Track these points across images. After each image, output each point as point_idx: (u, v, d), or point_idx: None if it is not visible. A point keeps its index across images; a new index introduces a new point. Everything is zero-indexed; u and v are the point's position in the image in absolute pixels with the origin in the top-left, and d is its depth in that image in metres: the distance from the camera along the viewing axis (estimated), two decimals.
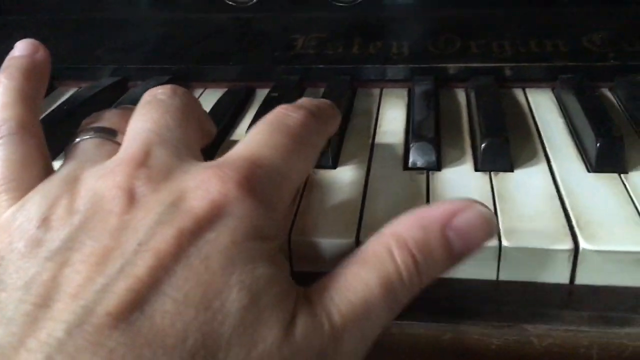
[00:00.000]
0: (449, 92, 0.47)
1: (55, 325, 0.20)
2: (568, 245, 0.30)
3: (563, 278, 0.30)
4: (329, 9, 0.51)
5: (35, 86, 0.30)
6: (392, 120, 0.43)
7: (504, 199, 0.33)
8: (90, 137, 0.29)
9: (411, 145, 0.37)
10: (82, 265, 0.21)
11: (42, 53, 0.31)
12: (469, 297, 0.30)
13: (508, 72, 0.46)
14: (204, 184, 0.24)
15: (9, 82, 0.29)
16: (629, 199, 0.33)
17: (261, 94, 0.49)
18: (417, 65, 0.48)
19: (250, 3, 0.50)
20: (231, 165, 0.25)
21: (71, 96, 0.48)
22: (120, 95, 0.49)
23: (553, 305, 0.29)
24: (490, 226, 0.25)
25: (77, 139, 0.29)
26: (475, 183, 0.35)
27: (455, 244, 0.24)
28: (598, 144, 0.35)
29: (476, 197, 0.34)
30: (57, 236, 0.23)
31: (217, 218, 0.23)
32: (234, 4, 0.50)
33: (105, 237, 0.22)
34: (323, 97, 0.46)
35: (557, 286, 0.30)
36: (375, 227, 0.31)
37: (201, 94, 0.50)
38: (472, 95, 0.44)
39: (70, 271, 0.21)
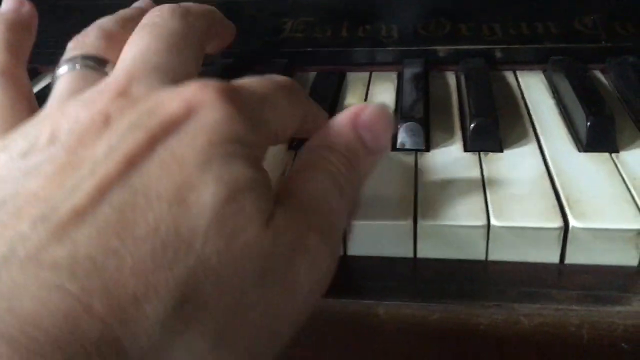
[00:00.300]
0: (439, 74, 0.47)
1: (20, 223, 0.19)
2: (558, 223, 0.29)
3: (553, 257, 0.30)
4: None
5: (20, 36, 0.31)
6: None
7: (494, 179, 0.33)
8: (76, 69, 0.28)
9: (399, 125, 0.36)
10: (54, 175, 0.21)
11: (27, 7, 0.32)
12: (458, 277, 0.30)
13: (499, 55, 0.46)
14: (181, 92, 0.23)
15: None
16: (620, 178, 0.32)
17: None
18: (406, 48, 0.47)
19: None
20: (216, 81, 0.24)
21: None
22: None
23: (543, 284, 0.29)
24: (387, 116, 0.28)
25: (64, 69, 0.29)
26: (465, 163, 0.35)
27: (367, 139, 0.27)
28: (589, 123, 0.35)
29: (465, 177, 0.33)
30: (36, 158, 0.22)
31: (191, 118, 0.22)
32: None
33: (81, 149, 0.22)
34: (312, 86, 0.46)
35: (547, 265, 0.30)
36: (363, 208, 0.30)
37: None
38: (462, 77, 0.43)
39: (44, 181, 0.21)
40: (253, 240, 0.21)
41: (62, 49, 0.51)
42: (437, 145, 0.37)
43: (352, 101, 0.44)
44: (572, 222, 0.29)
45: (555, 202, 0.30)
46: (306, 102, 0.29)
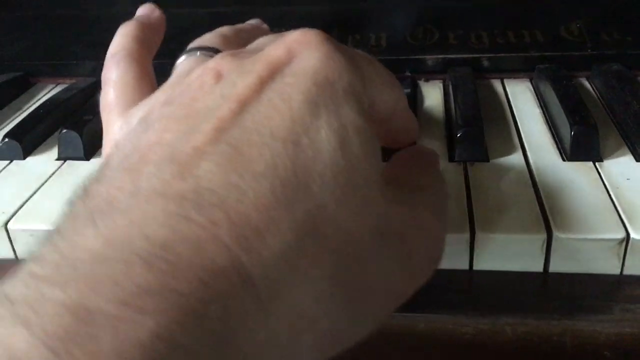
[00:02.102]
0: (427, 83, 0.47)
1: (145, 166, 0.20)
2: (541, 233, 0.29)
3: (537, 267, 0.30)
4: (306, 1, 0.51)
5: (149, 34, 0.33)
6: None
7: (479, 188, 0.33)
8: (192, 56, 0.30)
9: None
10: (173, 125, 0.22)
11: (157, 13, 0.35)
12: (442, 287, 0.30)
13: (486, 63, 0.46)
14: (284, 39, 0.24)
15: (125, 28, 0.32)
16: (603, 187, 0.33)
17: None
18: (395, 57, 0.47)
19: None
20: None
21: (49, 98, 0.48)
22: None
23: (526, 293, 0.29)
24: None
25: (182, 58, 0.30)
26: (451, 173, 0.35)
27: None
28: (572, 132, 0.35)
29: (451, 187, 0.34)
30: (154, 116, 0.23)
31: (294, 60, 0.23)
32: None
33: (195, 101, 0.23)
34: None
35: (531, 275, 0.30)
36: None
37: None
38: (450, 86, 0.44)
39: (163, 131, 0.22)
40: (370, 199, 0.21)
41: (54, 60, 0.52)
42: None
43: None
44: (556, 232, 0.29)
45: (539, 212, 0.31)
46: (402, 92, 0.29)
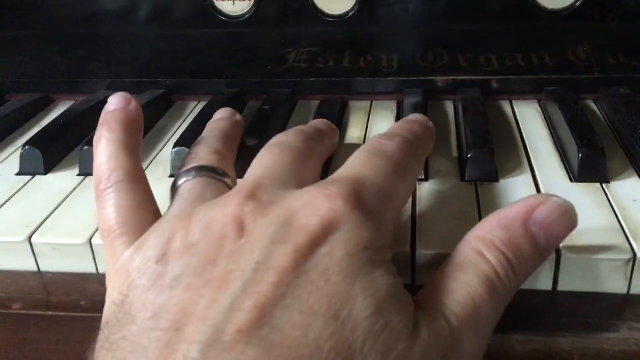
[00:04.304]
0: (437, 104, 0.48)
1: (189, 347, 0.21)
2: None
3: (546, 285, 0.31)
4: (320, 23, 0.52)
5: (134, 137, 0.31)
6: (381, 131, 0.44)
7: (489, 208, 0.34)
8: (194, 177, 0.30)
9: None
10: (205, 289, 0.22)
11: (134, 104, 0.32)
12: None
13: (495, 85, 0.48)
14: (311, 203, 0.24)
15: (111, 135, 0.30)
16: (610, 208, 0.33)
17: (252, 106, 0.50)
18: (406, 79, 0.49)
19: (242, 19, 0.51)
20: (335, 184, 0.25)
21: (67, 110, 0.49)
22: None
23: (535, 311, 0.30)
24: (570, 215, 0.25)
25: (182, 179, 0.30)
26: (461, 193, 0.36)
27: (540, 238, 0.25)
28: (580, 155, 0.36)
29: (462, 206, 0.35)
30: (176, 266, 0.23)
31: (328, 233, 0.23)
32: (226, 19, 0.51)
33: (223, 260, 0.23)
34: (316, 114, 0.47)
35: (540, 293, 0.31)
36: None
37: (195, 107, 0.51)
38: (460, 107, 0.45)
39: (194, 295, 0.22)
40: (402, 355, 0.21)
41: (73, 77, 0.53)
42: (435, 175, 0.38)
43: (355, 130, 0.45)
44: (564, 252, 0.30)
45: None
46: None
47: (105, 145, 0.30)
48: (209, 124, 0.37)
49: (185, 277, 0.23)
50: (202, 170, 0.30)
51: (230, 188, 0.30)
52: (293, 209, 0.24)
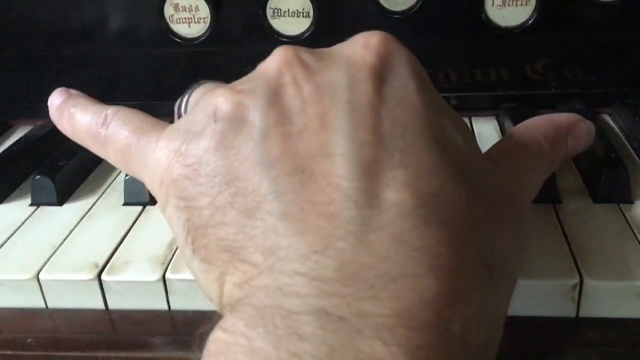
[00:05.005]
0: None
1: (338, 180, 0.21)
2: (574, 279, 0.30)
3: (569, 311, 0.30)
4: (277, 42, 0.51)
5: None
6: None
7: None
8: (198, 86, 0.30)
9: None
10: (306, 133, 0.23)
11: (75, 91, 0.32)
12: None
13: (454, 102, 0.47)
14: (357, 45, 0.25)
15: (77, 98, 0.30)
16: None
17: None
18: None
19: (198, 41, 0.50)
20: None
21: (23, 137, 0.49)
22: None
23: (556, 338, 0.30)
24: (592, 136, 0.31)
25: (186, 94, 0.30)
26: None
27: (570, 145, 0.30)
28: None
29: None
30: (255, 117, 0.24)
31: (388, 60, 0.25)
32: (182, 41, 0.50)
33: (309, 105, 0.23)
34: None
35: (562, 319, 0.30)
36: None
37: None
38: None
39: (297, 141, 0.23)
40: (483, 175, 0.24)
41: (31, 102, 0.53)
42: None
43: None
44: (586, 279, 0.30)
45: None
46: None
47: (81, 111, 0.29)
48: None
49: (271, 126, 0.23)
50: (200, 83, 0.30)
51: None
52: (343, 53, 0.25)
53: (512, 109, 0.45)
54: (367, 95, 0.23)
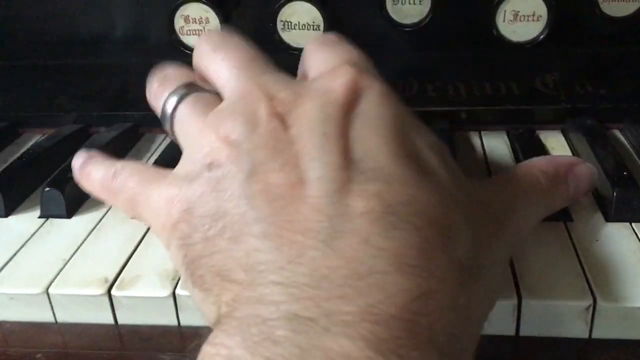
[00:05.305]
0: None
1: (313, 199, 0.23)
2: (587, 300, 0.30)
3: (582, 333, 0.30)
4: (288, 54, 0.51)
5: None
6: None
7: None
8: (187, 96, 0.31)
9: None
10: (286, 167, 0.25)
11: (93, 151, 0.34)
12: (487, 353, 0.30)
13: (463, 116, 0.47)
14: (328, 79, 0.28)
15: (94, 158, 0.33)
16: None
17: None
18: None
19: None
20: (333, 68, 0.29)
21: (31, 147, 0.49)
22: (82, 143, 0.49)
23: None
24: (594, 180, 0.33)
25: (173, 100, 0.31)
26: None
27: (571, 186, 0.31)
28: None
29: None
30: (242, 161, 0.26)
31: (359, 95, 0.27)
32: (192, 52, 0.50)
33: (286, 144, 0.26)
34: None
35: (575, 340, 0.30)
36: None
37: (163, 140, 0.51)
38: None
39: (278, 175, 0.25)
40: (460, 190, 0.26)
41: (39, 110, 0.53)
42: None
43: None
44: (600, 301, 0.29)
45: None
46: None
47: (96, 168, 0.32)
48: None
49: (257, 166, 0.25)
50: (186, 88, 0.31)
51: (221, 99, 0.31)
52: (319, 91, 0.27)
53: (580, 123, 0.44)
54: (340, 126, 0.25)
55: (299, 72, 0.33)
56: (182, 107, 0.31)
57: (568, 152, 0.44)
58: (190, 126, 0.30)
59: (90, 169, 0.32)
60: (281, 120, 0.26)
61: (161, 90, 0.33)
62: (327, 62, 0.30)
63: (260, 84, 0.28)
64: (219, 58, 0.31)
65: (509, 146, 0.45)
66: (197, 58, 0.33)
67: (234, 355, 0.20)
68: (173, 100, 0.31)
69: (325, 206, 0.23)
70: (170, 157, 0.37)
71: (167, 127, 0.32)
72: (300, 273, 0.21)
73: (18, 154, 0.49)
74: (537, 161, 0.32)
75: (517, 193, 0.29)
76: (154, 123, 0.51)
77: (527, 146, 0.42)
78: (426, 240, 0.22)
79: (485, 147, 0.45)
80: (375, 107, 0.26)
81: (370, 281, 0.20)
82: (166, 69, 0.35)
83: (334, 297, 0.20)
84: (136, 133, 0.51)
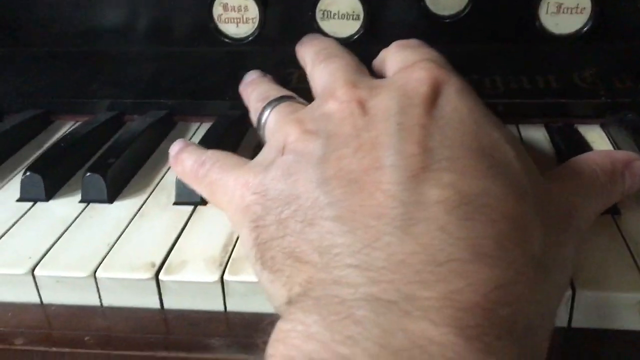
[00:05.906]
0: None
1: (386, 185, 0.24)
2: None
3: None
4: None
5: None
6: None
7: None
8: (277, 106, 0.34)
9: None
10: (359, 153, 0.25)
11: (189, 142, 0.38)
12: None
13: (500, 109, 0.47)
14: (411, 75, 0.29)
15: (188, 147, 0.36)
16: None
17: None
18: None
19: (246, 41, 0.50)
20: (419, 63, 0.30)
21: (68, 133, 0.49)
22: (117, 131, 0.49)
23: (622, 351, 0.30)
24: None
25: (267, 111, 0.35)
26: None
27: (627, 182, 0.31)
28: None
29: None
30: (313, 147, 0.28)
31: (440, 86, 0.28)
32: (230, 40, 0.50)
33: (362, 132, 0.26)
34: None
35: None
36: None
37: (198, 128, 0.51)
38: None
39: (351, 160, 0.25)
40: (533, 186, 0.26)
41: (72, 97, 0.53)
42: None
43: None
44: (578, 289, 0.29)
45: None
46: None
47: (188, 156, 0.35)
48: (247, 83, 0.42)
49: (329, 152, 0.26)
50: (278, 100, 0.35)
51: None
52: (397, 84, 0.28)
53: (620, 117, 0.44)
54: (417, 116, 0.26)
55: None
56: (272, 114, 0.34)
57: (609, 147, 0.44)
58: (273, 124, 0.33)
59: (184, 157, 0.35)
60: (359, 106, 0.27)
61: (260, 105, 0.36)
62: (406, 60, 0.31)
63: (346, 76, 0.31)
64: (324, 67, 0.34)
65: (549, 140, 0.45)
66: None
67: (311, 332, 0.20)
68: (267, 111, 0.35)
69: (399, 193, 0.23)
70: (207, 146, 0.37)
71: (260, 133, 0.36)
72: (377, 257, 0.21)
73: (53, 140, 0.49)
74: (592, 156, 0.32)
75: (579, 188, 0.29)
76: (188, 111, 0.51)
77: (570, 140, 0.42)
78: (501, 233, 0.22)
79: (524, 141, 0.45)
80: (452, 100, 0.27)
81: (450, 267, 0.21)
82: (260, 85, 0.40)
83: (413, 282, 0.20)
84: (170, 121, 0.51)
